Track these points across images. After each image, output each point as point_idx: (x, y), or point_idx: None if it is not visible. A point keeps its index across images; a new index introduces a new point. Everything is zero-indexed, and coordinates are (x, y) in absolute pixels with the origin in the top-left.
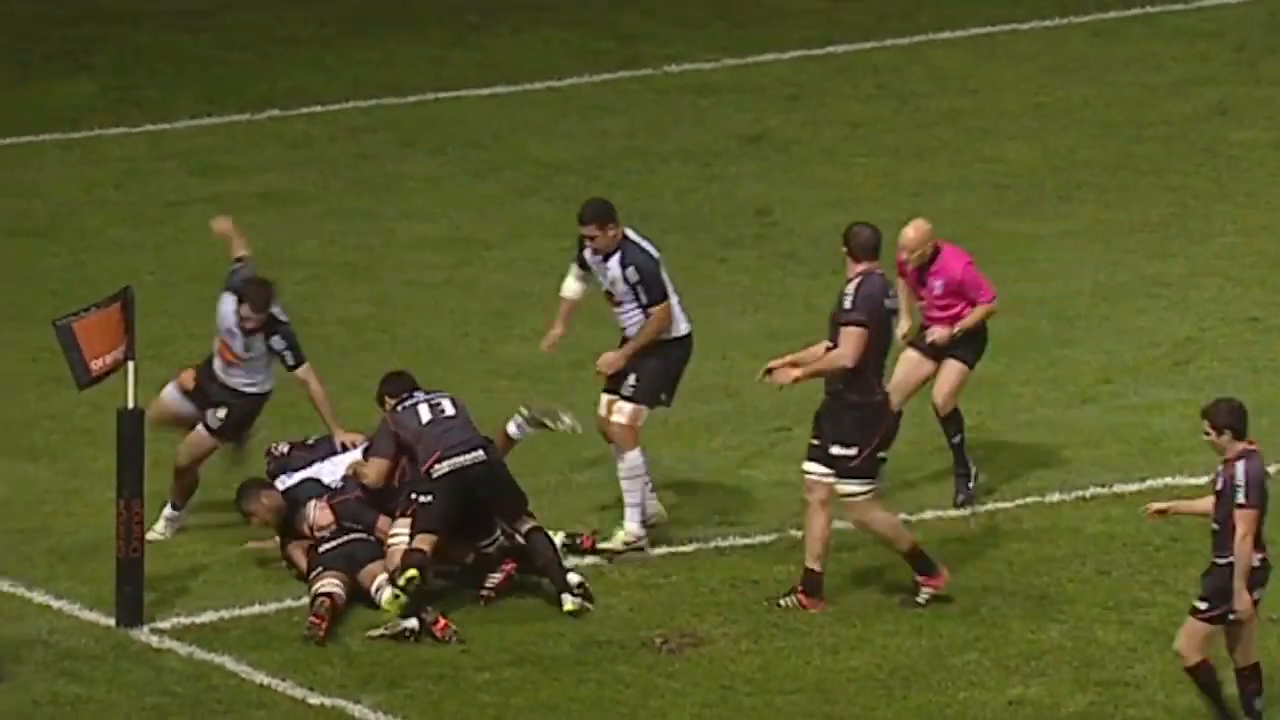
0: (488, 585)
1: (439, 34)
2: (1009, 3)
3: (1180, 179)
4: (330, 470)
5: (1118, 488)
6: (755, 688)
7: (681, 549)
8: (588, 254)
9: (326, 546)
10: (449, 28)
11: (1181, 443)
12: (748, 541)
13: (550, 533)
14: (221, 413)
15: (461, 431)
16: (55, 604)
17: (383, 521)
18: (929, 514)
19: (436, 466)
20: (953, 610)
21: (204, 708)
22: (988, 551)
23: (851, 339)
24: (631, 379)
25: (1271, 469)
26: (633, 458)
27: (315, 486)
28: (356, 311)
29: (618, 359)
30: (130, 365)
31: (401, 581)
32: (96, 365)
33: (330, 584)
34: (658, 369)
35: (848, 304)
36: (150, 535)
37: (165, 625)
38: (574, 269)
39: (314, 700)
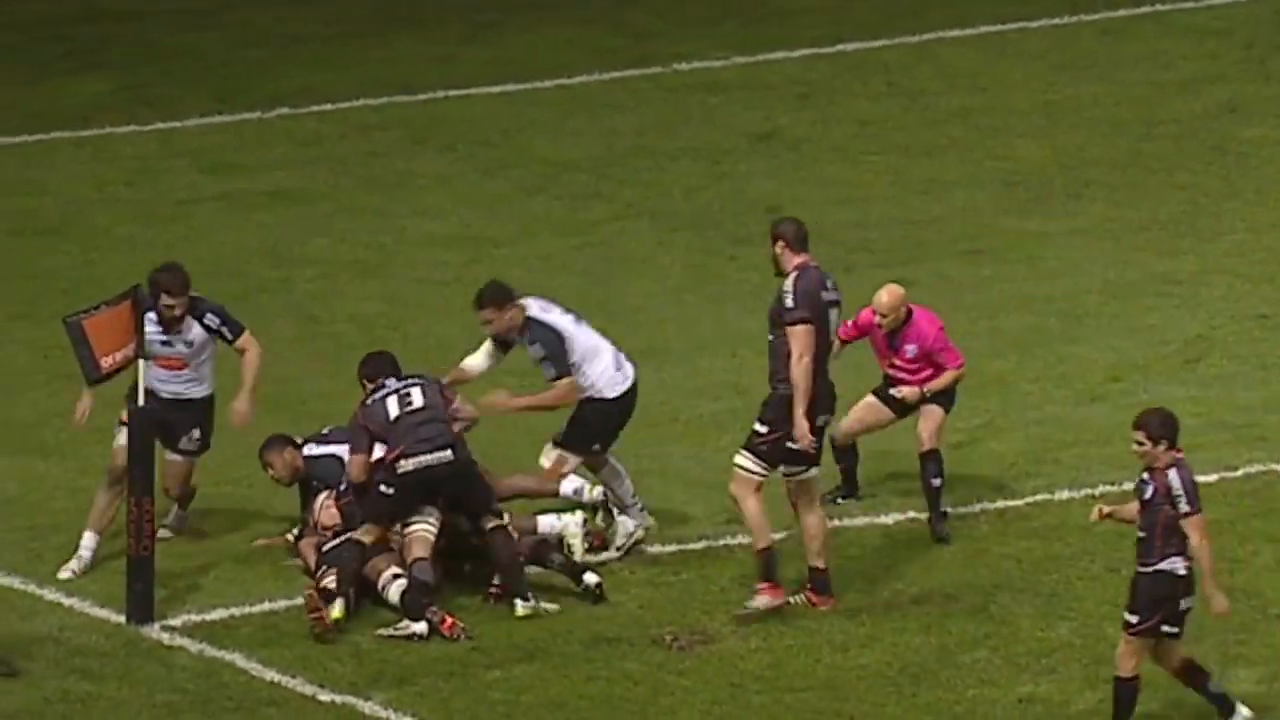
0: (495, 583)
1: (449, 32)
2: (1018, 1)
3: (1190, 177)
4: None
5: (1127, 485)
6: (765, 685)
7: (691, 546)
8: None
9: (330, 545)
10: (459, 26)
11: (1191, 440)
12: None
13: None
14: (196, 433)
15: (430, 428)
16: (66, 601)
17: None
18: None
19: (402, 462)
20: (962, 608)
21: (214, 705)
22: (997, 549)
23: (799, 338)
24: (565, 426)
25: None
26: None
27: (336, 465)
28: (367, 309)
29: (505, 406)
30: (140, 363)
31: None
32: (106, 362)
33: (332, 579)
34: (594, 421)
35: (789, 302)
36: (161, 534)
37: (176, 622)
38: (488, 345)
39: (324, 697)
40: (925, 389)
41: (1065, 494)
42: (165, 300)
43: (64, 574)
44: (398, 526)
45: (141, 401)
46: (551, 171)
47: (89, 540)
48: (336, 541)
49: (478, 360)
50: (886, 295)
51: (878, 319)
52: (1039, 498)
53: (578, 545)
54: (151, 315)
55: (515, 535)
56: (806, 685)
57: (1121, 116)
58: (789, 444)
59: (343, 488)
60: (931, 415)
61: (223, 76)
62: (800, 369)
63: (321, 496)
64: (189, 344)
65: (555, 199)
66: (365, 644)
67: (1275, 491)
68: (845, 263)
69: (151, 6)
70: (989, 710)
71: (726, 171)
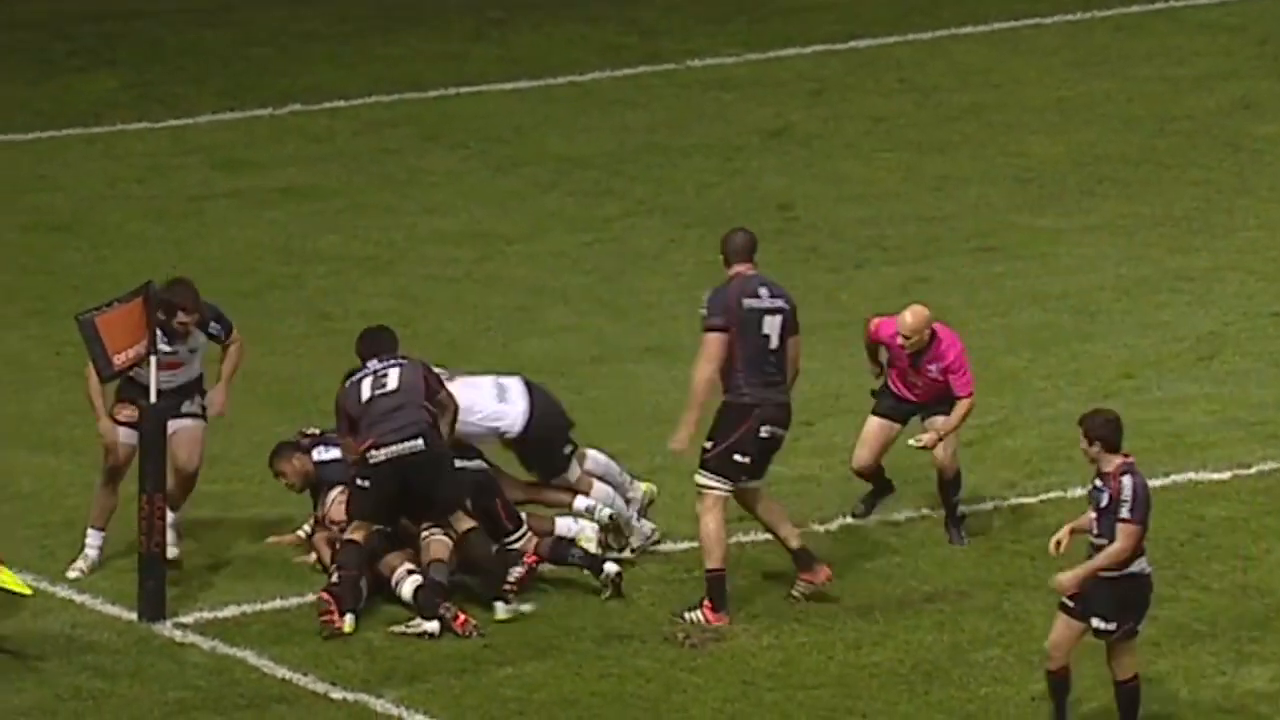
0: (509, 580)
1: (461, 29)
2: None
3: (1203, 173)
4: None
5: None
6: (777, 683)
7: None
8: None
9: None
10: (469, 23)
11: (1204, 438)
12: (769, 536)
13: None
14: (197, 397)
15: (404, 414)
16: (78, 598)
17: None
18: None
19: (373, 452)
20: (975, 605)
21: (226, 702)
22: (1010, 546)
23: (706, 345)
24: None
25: None
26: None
27: (343, 468)
28: (378, 306)
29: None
30: (153, 359)
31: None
32: (119, 359)
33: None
34: (539, 451)
35: (703, 310)
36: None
37: (188, 620)
38: None
39: (336, 695)
40: (941, 432)
41: (1078, 491)
42: (181, 318)
43: (72, 573)
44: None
45: (154, 399)
46: (563, 168)
47: (94, 539)
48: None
49: None
50: (911, 317)
51: (901, 340)
52: (1052, 495)
53: (592, 549)
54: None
55: (532, 538)
56: (819, 683)
57: (1135, 113)
58: (734, 455)
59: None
60: (947, 443)
61: (234, 73)
62: (699, 375)
63: (334, 491)
64: (192, 350)
65: (567, 196)
66: (377, 641)
67: None
68: (857, 260)
69: (162, 4)
70: (1002, 708)
71: (738, 168)
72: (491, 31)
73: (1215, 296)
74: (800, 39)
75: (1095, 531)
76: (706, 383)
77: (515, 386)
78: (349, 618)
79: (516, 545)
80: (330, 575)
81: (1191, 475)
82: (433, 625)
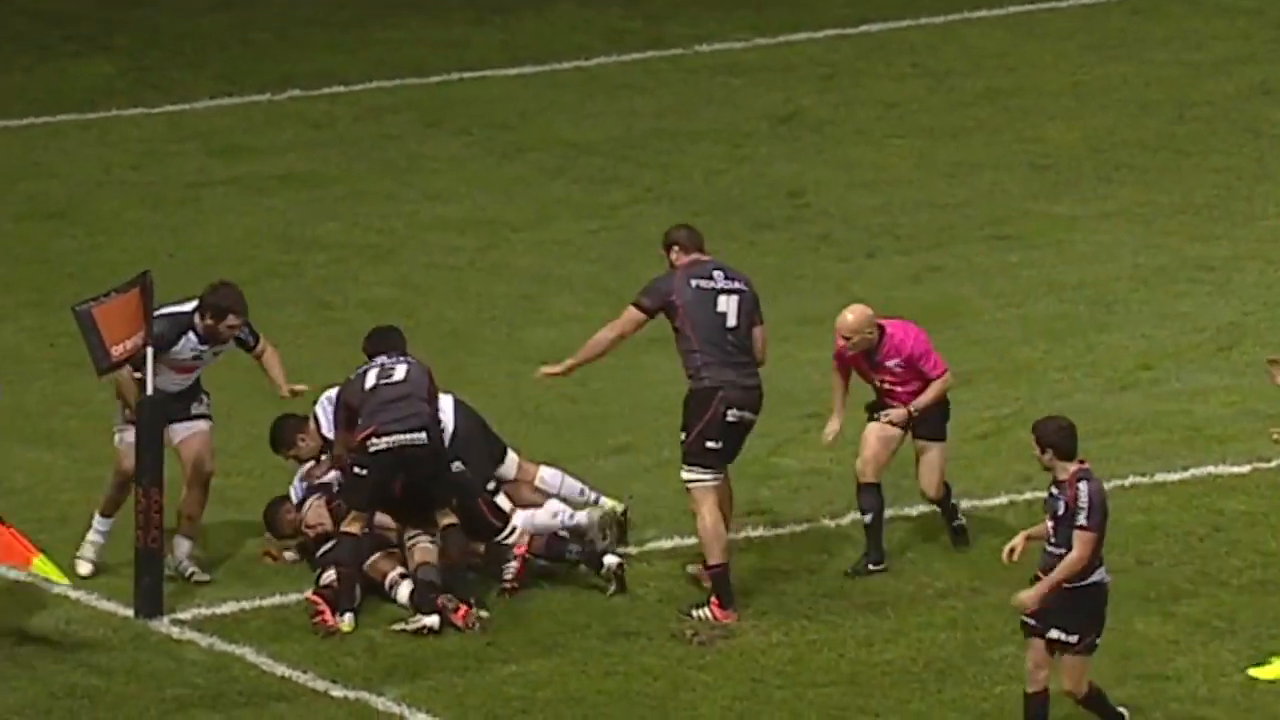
0: (506, 576)
1: (463, 13)
2: None
3: (1223, 160)
4: None
5: (1159, 476)
6: (786, 680)
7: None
8: None
9: (325, 549)
10: (473, 6)
11: (1224, 430)
12: (778, 532)
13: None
14: (204, 397)
15: (408, 405)
16: (73, 594)
17: (383, 517)
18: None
19: (373, 440)
20: (989, 602)
21: (225, 700)
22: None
23: (623, 315)
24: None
25: None
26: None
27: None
28: (379, 295)
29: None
30: (149, 351)
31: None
32: (117, 351)
33: (332, 576)
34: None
35: (643, 289)
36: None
37: (185, 616)
38: None
39: (336, 692)
40: (912, 408)
41: None
42: (231, 320)
43: (84, 569)
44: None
45: (150, 391)
46: (568, 154)
47: (101, 524)
48: (334, 543)
49: None
50: (851, 315)
51: (840, 340)
52: None
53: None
54: (191, 333)
55: (525, 533)
56: (829, 680)
57: (1152, 98)
58: (706, 442)
59: (335, 488)
60: (932, 462)
61: (232, 58)
62: (600, 334)
63: (312, 497)
64: (216, 354)
65: (572, 182)
66: (378, 638)
67: None
68: (869, 248)
69: None
70: (1016, 707)
71: (747, 155)
72: (494, 15)
73: (1235, 286)
74: (810, 23)
75: (1052, 540)
76: (602, 343)
77: (445, 404)
78: (348, 616)
79: (508, 540)
80: (320, 572)
81: (1210, 469)
82: (432, 619)
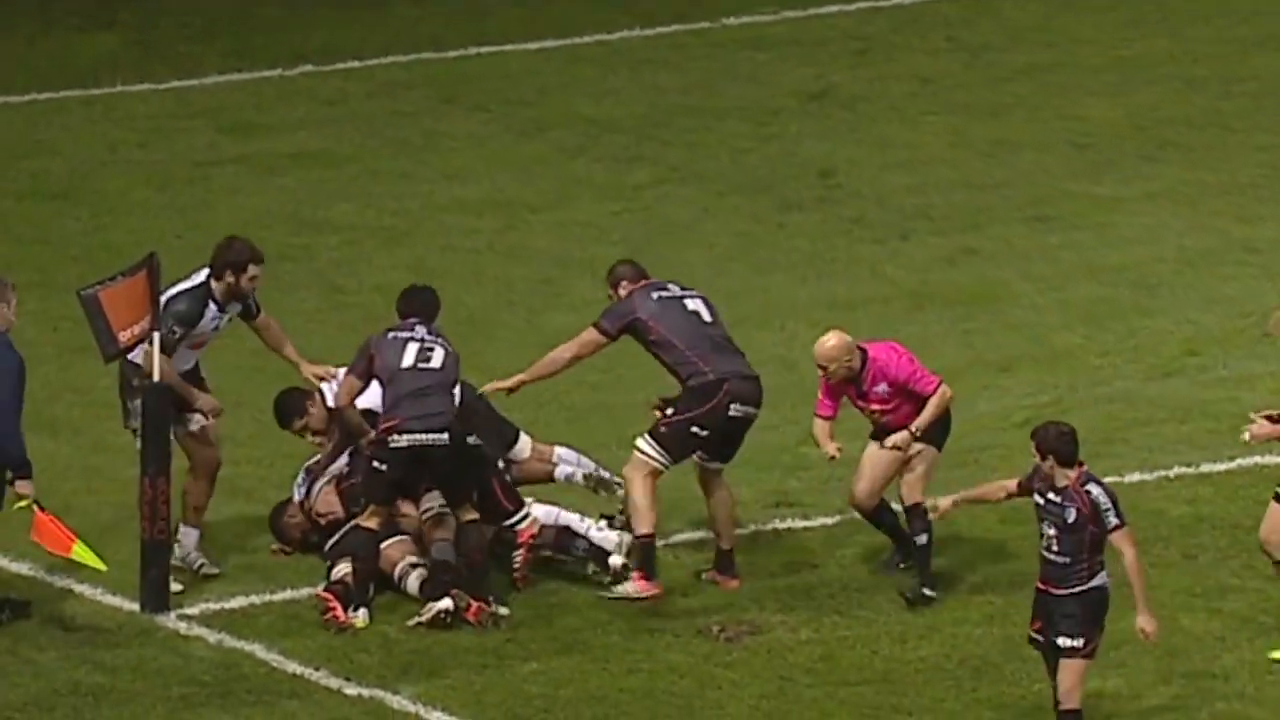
0: (516, 566)
1: None
2: None
3: (1270, 138)
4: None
5: (1205, 467)
6: (817, 679)
7: (738, 531)
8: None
9: (334, 540)
10: None
11: None
12: (808, 524)
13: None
14: (207, 386)
15: (434, 402)
16: (77, 588)
17: (407, 506)
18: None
19: (395, 437)
20: (1027, 597)
21: (234, 698)
22: None
23: (583, 335)
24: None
25: None
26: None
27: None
28: (394, 279)
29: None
30: (156, 336)
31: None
32: (124, 336)
33: (344, 570)
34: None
35: (604, 312)
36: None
37: (193, 611)
38: None
39: (350, 690)
40: (914, 428)
41: (1136, 476)
42: (252, 271)
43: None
44: (412, 508)
45: (157, 378)
46: (590, 132)
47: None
48: (343, 531)
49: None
50: (829, 343)
51: (819, 371)
52: (1108, 479)
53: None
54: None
55: (535, 522)
56: (861, 679)
57: (1198, 73)
58: (692, 428)
59: (345, 471)
60: (920, 463)
61: (242, 32)
62: (557, 351)
63: (321, 481)
64: (229, 321)
65: (595, 161)
66: (393, 634)
67: None
68: (902, 230)
69: None
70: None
71: (776, 133)
72: None
73: None
74: None
75: (1055, 549)
76: (557, 361)
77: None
78: (362, 612)
79: (519, 528)
80: (330, 566)
81: (1258, 459)
82: (446, 602)
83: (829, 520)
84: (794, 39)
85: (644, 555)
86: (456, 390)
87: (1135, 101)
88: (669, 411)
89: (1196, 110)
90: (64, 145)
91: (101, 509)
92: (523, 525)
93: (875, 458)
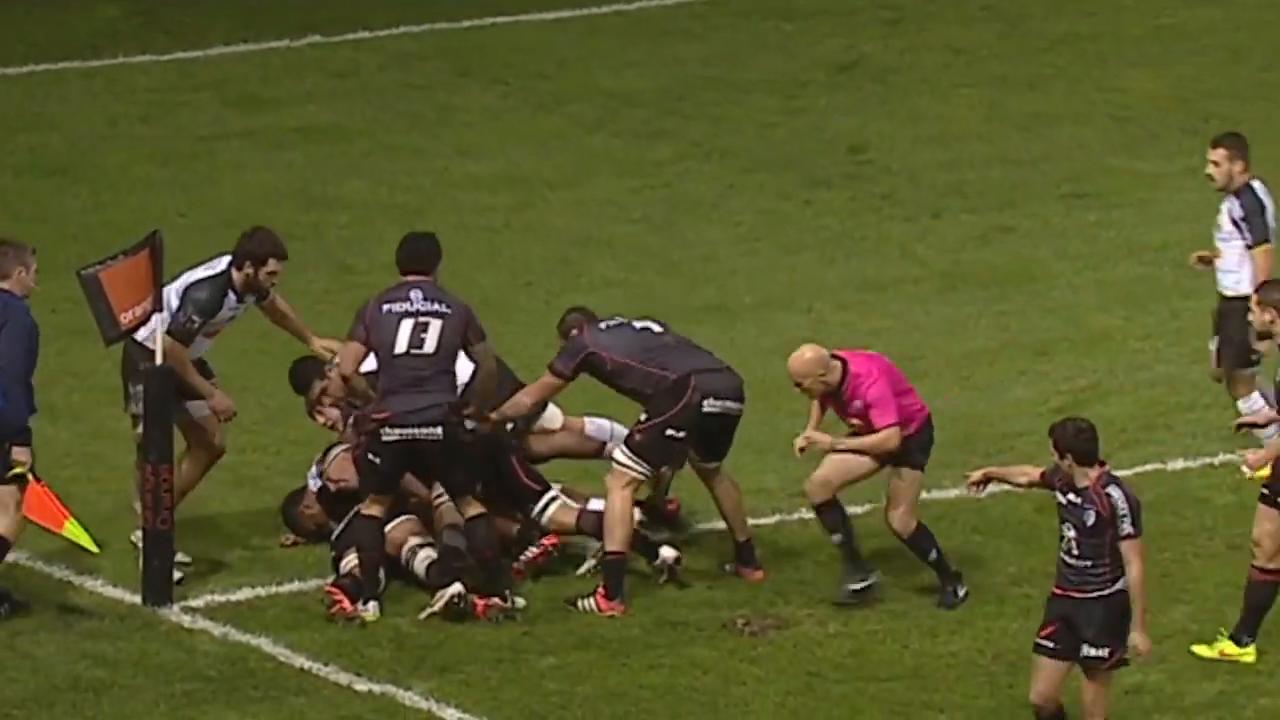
0: (522, 558)
1: None
2: None
3: None
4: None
5: (1251, 454)
6: (845, 674)
7: (764, 521)
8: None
9: (339, 529)
10: None
11: None
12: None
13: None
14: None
15: (428, 395)
16: (76, 579)
17: (415, 485)
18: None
19: (387, 430)
20: None
21: (239, 694)
22: None
23: (542, 379)
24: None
25: None
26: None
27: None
28: None
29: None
30: (158, 318)
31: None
32: (126, 318)
33: (351, 562)
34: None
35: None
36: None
37: (197, 603)
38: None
39: (360, 686)
40: (837, 444)
41: (1179, 463)
42: (272, 266)
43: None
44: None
45: (160, 360)
46: (610, 106)
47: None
48: (346, 520)
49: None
50: (808, 353)
51: (796, 388)
52: (1150, 467)
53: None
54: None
55: (574, 506)
56: (891, 674)
57: (1242, 43)
58: (667, 431)
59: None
60: (905, 491)
61: (248, 1)
62: (517, 399)
63: (337, 449)
64: (245, 310)
65: (614, 136)
66: (405, 627)
67: None
68: (934, 208)
69: None
70: None
71: (804, 106)
72: None
73: None
74: None
75: (1075, 553)
76: (519, 406)
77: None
78: (371, 605)
79: (545, 517)
80: (337, 557)
81: None
82: (456, 587)
83: (858, 510)
84: (823, 8)
85: (610, 573)
86: (458, 363)
87: (1178, 73)
88: (642, 418)
89: (1242, 82)
90: (63, 119)
91: (102, 497)
92: (550, 511)
93: (841, 456)
